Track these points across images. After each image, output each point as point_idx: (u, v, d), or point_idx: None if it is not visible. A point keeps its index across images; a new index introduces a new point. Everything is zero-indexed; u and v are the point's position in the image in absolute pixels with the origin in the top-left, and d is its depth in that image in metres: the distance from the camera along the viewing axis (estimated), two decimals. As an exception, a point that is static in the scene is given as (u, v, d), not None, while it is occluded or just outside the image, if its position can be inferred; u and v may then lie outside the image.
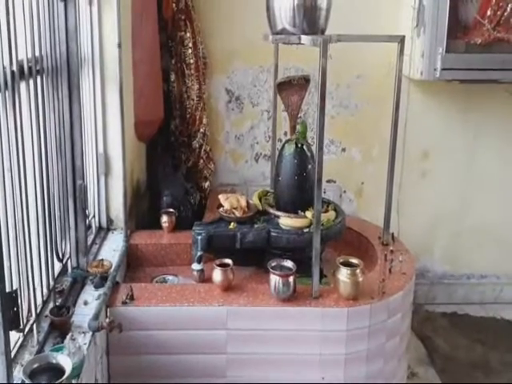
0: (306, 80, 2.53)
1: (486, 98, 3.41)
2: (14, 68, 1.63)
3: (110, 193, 2.66)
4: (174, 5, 2.99)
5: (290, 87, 2.53)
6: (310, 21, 2.33)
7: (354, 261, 2.21)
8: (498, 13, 3.03)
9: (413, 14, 3.12)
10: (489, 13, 3.03)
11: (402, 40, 2.45)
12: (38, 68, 1.84)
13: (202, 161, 3.24)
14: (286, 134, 3.23)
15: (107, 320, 1.91)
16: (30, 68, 1.77)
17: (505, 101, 3.42)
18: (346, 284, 2.15)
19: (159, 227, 2.77)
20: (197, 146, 3.21)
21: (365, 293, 2.20)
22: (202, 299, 2.15)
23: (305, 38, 2.28)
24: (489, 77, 3.06)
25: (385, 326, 2.23)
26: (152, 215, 2.93)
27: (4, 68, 1.57)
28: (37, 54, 1.83)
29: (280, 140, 3.23)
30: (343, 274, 2.15)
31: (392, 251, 2.60)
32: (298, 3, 2.29)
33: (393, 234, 2.71)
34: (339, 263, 2.18)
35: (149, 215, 3.00)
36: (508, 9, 3.02)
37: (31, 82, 1.78)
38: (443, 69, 2.98)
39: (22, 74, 1.71)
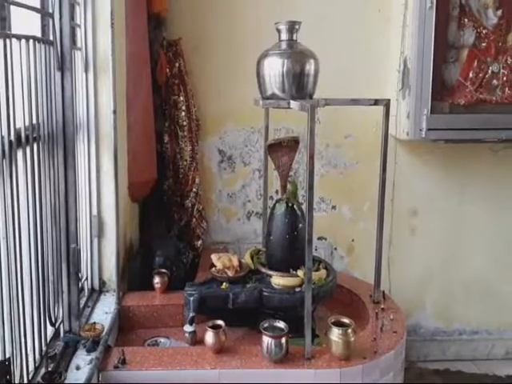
0: (295, 141, 2.59)
1: (470, 157, 3.49)
2: (12, 137, 1.66)
3: (102, 255, 2.65)
4: (167, 70, 3.10)
5: (280, 149, 2.58)
6: (299, 86, 2.41)
7: (346, 320, 2.22)
8: (480, 75, 3.14)
9: (398, 77, 3.23)
10: (471, 75, 3.14)
11: (387, 103, 2.53)
12: (34, 135, 1.88)
13: (194, 220, 3.27)
14: (277, 192, 3.29)
15: (99, 385, 1.91)
16: (27, 136, 1.80)
17: (489, 159, 3.50)
18: (337, 344, 2.15)
19: (152, 287, 2.76)
20: (189, 205, 3.25)
21: (357, 352, 2.20)
22: (194, 362, 2.14)
23: (293, 103, 2.36)
24: (473, 136, 3.13)
25: (378, 386, 2.22)
26: (144, 275, 2.91)
27: (2, 138, 1.60)
28: (34, 121, 1.87)
29: (271, 198, 3.29)
30: (335, 334, 2.16)
31: (383, 309, 2.62)
32: (287, 70, 2.38)
33: (383, 291, 2.73)
34: (331, 323, 2.20)
35: (141, 275, 2.98)
36: (489, 71, 3.14)
37: (28, 149, 1.81)
38: (428, 129, 3.05)
39: (19, 142, 1.74)
